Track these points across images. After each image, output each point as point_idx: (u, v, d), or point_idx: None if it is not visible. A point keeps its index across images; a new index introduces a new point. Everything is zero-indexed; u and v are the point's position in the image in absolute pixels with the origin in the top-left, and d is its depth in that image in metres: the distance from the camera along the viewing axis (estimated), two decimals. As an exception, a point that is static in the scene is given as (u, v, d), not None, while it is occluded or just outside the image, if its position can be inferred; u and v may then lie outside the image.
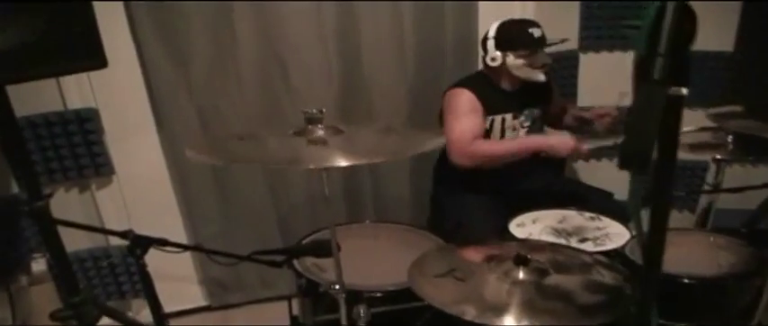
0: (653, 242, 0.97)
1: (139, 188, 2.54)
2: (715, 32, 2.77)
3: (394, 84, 2.74)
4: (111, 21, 2.17)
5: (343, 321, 1.57)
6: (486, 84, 2.43)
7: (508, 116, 2.42)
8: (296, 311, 2.11)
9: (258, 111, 2.58)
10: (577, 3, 2.87)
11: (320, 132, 1.52)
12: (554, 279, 1.52)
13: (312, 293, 1.93)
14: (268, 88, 2.58)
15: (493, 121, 2.40)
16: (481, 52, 2.42)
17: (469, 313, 1.35)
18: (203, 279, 2.78)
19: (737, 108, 2.13)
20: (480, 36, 2.48)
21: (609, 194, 2.55)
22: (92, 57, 1.58)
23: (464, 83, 2.42)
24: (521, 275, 1.53)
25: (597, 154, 2.94)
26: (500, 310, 1.38)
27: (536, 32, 2.30)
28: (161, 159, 2.57)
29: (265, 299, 2.85)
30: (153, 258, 2.26)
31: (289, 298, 2.07)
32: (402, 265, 1.78)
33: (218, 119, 2.54)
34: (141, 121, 2.49)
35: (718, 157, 2.09)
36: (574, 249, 1.85)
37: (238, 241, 2.63)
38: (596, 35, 2.93)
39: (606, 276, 1.58)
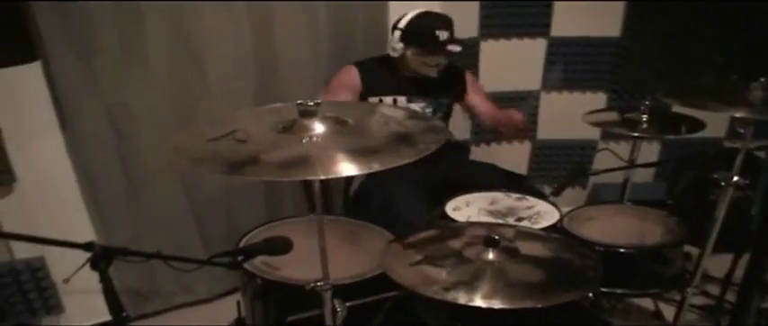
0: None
1: (44, 196, 2.30)
2: (602, 18, 3.03)
3: (310, 75, 2.72)
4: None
5: (328, 317, 1.54)
6: (385, 66, 2.48)
7: (402, 99, 2.48)
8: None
9: (172, 106, 2.47)
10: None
11: (319, 128, 1.30)
12: (524, 258, 1.60)
13: (266, 293, 1.88)
14: (182, 83, 2.47)
15: (381, 101, 2.45)
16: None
17: (462, 298, 1.39)
18: (117, 289, 2.58)
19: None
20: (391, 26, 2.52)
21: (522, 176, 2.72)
22: (21, 50, 1.43)
23: (361, 62, 2.50)
24: (491, 255, 1.58)
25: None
26: (489, 293, 1.42)
27: (442, 35, 2.33)
28: (67, 162, 2.35)
29: (183, 304, 2.72)
30: (58, 270, 2.07)
31: (238, 301, 2.00)
32: (358, 257, 1.90)
33: (127, 117, 2.39)
34: (44, 122, 2.27)
35: (636, 134, 2.29)
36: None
37: (156, 245, 2.46)
38: (497, 24, 3.08)
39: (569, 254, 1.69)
